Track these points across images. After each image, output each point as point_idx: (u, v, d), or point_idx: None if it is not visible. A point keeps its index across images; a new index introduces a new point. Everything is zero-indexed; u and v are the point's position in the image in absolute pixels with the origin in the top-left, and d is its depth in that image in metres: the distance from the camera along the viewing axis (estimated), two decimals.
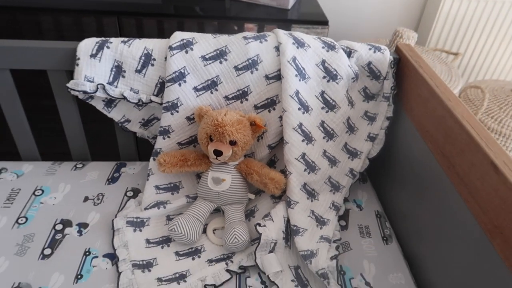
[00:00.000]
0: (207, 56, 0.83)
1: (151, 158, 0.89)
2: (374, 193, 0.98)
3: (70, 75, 0.86)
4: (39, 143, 1.15)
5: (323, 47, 0.86)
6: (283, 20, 1.24)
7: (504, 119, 1.45)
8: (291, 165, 0.83)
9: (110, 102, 0.90)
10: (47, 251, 0.77)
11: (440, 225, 0.74)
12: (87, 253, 0.77)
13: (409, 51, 0.88)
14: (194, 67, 0.83)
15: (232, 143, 0.81)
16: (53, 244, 0.78)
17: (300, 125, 0.83)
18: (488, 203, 0.60)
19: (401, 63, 0.89)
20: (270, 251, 0.78)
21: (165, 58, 0.83)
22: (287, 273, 0.76)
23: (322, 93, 0.86)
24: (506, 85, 1.61)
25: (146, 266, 0.76)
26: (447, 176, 0.71)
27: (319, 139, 0.87)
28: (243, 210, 0.86)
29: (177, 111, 0.85)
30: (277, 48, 0.83)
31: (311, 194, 0.86)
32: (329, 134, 0.88)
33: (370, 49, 0.87)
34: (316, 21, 1.25)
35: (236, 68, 0.83)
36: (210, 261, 0.78)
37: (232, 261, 0.78)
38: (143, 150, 1.07)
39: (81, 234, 0.81)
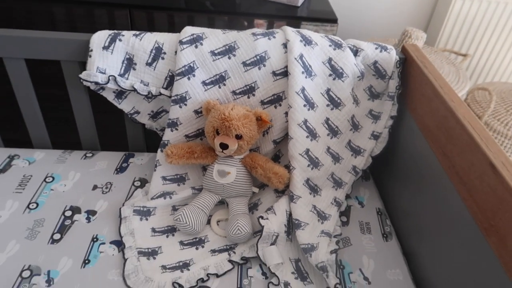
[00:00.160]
0: (216, 51, 0.85)
1: (159, 150, 0.91)
2: (376, 191, 1.00)
3: (83, 66, 0.89)
4: (49, 132, 1.18)
5: (330, 45, 0.87)
6: (292, 17, 1.25)
7: (510, 122, 1.45)
8: (295, 160, 0.85)
9: (120, 93, 0.92)
10: (56, 236, 0.79)
11: (439, 223, 0.75)
12: (95, 239, 0.80)
13: (415, 51, 0.89)
14: (203, 62, 0.85)
15: (238, 137, 0.82)
16: (62, 229, 0.81)
17: (305, 121, 0.85)
18: (485, 202, 0.62)
19: (406, 63, 0.90)
20: (272, 244, 0.80)
21: (175, 52, 0.85)
22: (288, 265, 0.78)
23: (328, 90, 0.88)
24: None
25: (151, 253, 0.79)
26: (447, 175, 0.72)
27: (323, 136, 0.88)
28: (246, 203, 0.88)
29: (185, 104, 0.87)
30: (285, 45, 0.85)
31: (314, 189, 0.88)
32: (333, 131, 0.90)
33: (376, 48, 0.88)
34: (325, 19, 1.26)
35: (244, 63, 0.85)
36: (213, 251, 0.81)
37: (234, 252, 0.80)
38: (151, 141, 1.09)
39: (89, 221, 0.83)
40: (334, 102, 0.88)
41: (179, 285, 0.73)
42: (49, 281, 0.71)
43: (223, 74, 0.86)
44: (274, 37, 0.86)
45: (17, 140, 1.30)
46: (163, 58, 0.86)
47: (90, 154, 1.00)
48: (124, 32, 0.86)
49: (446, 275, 0.73)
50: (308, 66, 0.85)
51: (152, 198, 0.88)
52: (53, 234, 0.80)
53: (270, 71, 0.86)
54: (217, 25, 1.23)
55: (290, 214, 0.83)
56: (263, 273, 0.77)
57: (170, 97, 0.88)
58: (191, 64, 0.85)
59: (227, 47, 0.85)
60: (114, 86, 0.86)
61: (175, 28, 1.23)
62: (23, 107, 0.97)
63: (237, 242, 0.82)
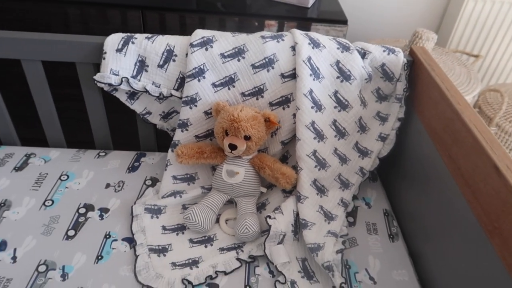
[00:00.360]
0: (226, 54, 0.87)
1: (170, 149, 0.93)
2: (383, 192, 1.00)
3: (97, 67, 0.91)
4: (64, 131, 1.21)
5: (338, 48, 0.88)
6: (302, 18, 1.26)
7: None
8: (302, 161, 0.86)
9: (133, 94, 0.94)
10: (71, 232, 0.82)
11: (444, 225, 0.76)
12: (107, 236, 0.82)
13: (422, 54, 0.89)
14: (213, 64, 0.87)
15: (247, 138, 0.84)
16: (77, 226, 0.84)
17: (313, 123, 0.86)
18: (489, 204, 0.62)
19: (414, 66, 0.91)
20: (279, 243, 0.81)
21: (186, 54, 0.87)
22: (294, 264, 0.80)
23: (335, 92, 0.89)
24: None
25: (161, 251, 0.81)
26: (453, 177, 0.73)
27: (331, 137, 0.90)
28: (254, 203, 0.89)
29: (196, 106, 0.89)
30: (293, 48, 0.86)
31: (321, 190, 0.89)
32: (340, 133, 0.91)
33: (384, 51, 0.89)
34: (335, 20, 1.27)
35: (253, 66, 0.87)
36: (222, 249, 0.82)
37: (242, 250, 0.82)
38: (162, 141, 1.11)
39: (102, 218, 0.86)
40: (341, 104, 0.90)
41: (189, 281, 0.75)
42: (64, 275, 0.74)
43: (233, 76, 0.88)
44: (282, 40, 0.87)
45: (33, 138, 1.34)
46: (174, 61, 0.88)
47: (103, 153, 1.03)
48: (137, 35, 0.89)
49: (451, 276, 0.73)
50: (316, 68, 0.86)
51: (162, 197, 0.90)
52: (67, 230, 0.83)
53: (279, 73, 0.87)
54: (228, 26, 1.25)
55: (297, 214, 0.85)
56: (270, 272, 0.79)
57: (180, 98, 0.90)
58: (202, 66, 0.87)
59: (236, 49, 0.87)
60: (127, 87, 0.89)
61: (186, 29, 1.25)
62: (40, 107, 1.00)
63: (245, 240, 0.83)
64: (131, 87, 0.89)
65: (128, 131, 1.37)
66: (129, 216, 0.87)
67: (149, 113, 0.98)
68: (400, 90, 0.91)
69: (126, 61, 0.88)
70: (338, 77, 0.88)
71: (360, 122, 0.92)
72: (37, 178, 0.94)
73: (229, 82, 0.88)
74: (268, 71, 0.87)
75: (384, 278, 0.80)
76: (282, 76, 0.87)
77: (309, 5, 1.31)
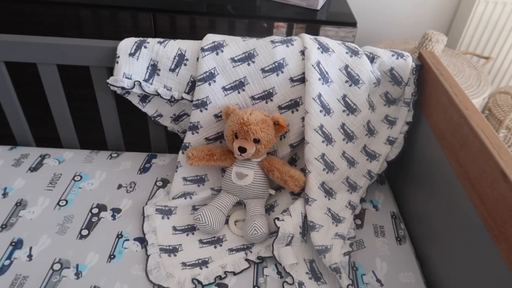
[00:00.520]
0: (236, 58, 0.88)
1: (180, 151, 0.95)
2: (391, 195, 1.01)
3: (110, 71, 0.93)
4: (77, 131, 1.24)
5: (346, 53, 0.89)
6: (311, 20, 1.27)
7: None
8: (310, 164, 0.87)
9: (144, 97, 0.96)
10: (84, 232, 0.85)
11: (452, 229, 0.77)
12: (120, 236, 0.85)
13: (431, 58, 0.90)
14: (223, 68, 0.88)
15: (256, 141, 0.86)
16: (90, 225, 0.86)
17: (321, 126, 0.87)
18: (496, 209, 0.63)
19: (423, 70, 0.92)
20: (287, 244, 0.83)
21: (197, 58, 0.89)
22: (302, 265, 0.81)
23: (344, 96, 0.90)
24: None
25: (172, 251, 0.83)
26: (460, 181, 0.74)
27: (339, 141, 0.91)
28: (263, 205, 0.91)
29: (206, 109, 0.91)
30: (302, 52, 0.88)
31: (329, 192, 0.90)
32: (349, 136, 0.92)
33: (392, 55, 0.90)
34: (345, 22, 1.27)
35: (263, 70, 0.88)
36: (231, 250, 0.84)
37: (251, 251, 0.83)
38: (173, 143, 1.13)
39: (114, 218, 0.88)
40: (350, 108, 0.91)
41: (198, 281, 0.76)
42: (77, 274, 0.76)
43: (243, 80, 0.89)
44: (292, 44, 0.88)
45: (46, 138, 1.37)
46: (185, 65, 0.90)
47: (115, 155, 1.05)
48: (149, 40, 0.90)
49: (458, 279, 0.74)
50: (325, 72, 0.87)
51: (173, 198, 0.92)
52: (81, 230, 0.85)
53: (288, 77, 0.88)
54: (237, 28, 1.26)
55: (305, 216, 0.86)
56: (278, 273, 0.80)
57: (191, 101, 0.92)
58: (212, 70, 0.88)
59: (246, 54, 0.88)
60: (139, 90, 0.91)
61: (196, 31, 1.27)
62: (54, 109, 1.02)
63: (254, 242, 0.85)
64: (143, 91, 0.91)
65: (139, 132, 1.39)
66: (141, 216, 0.89)
67: (160, 115, 1.00)
68: (408, 94, 0.91)
69: (138, 65, 0.90)
70: (346, 81, 0.89)
71: (368, 126, 0.93)
72: (51, 178, 0.96)
73: (239, 86, 0.90)
74: (277, 75, 0.88)
75: (391, 280, 0.81)
76: (291, 80, 0.88)
77: (319, 7, 1.32)
